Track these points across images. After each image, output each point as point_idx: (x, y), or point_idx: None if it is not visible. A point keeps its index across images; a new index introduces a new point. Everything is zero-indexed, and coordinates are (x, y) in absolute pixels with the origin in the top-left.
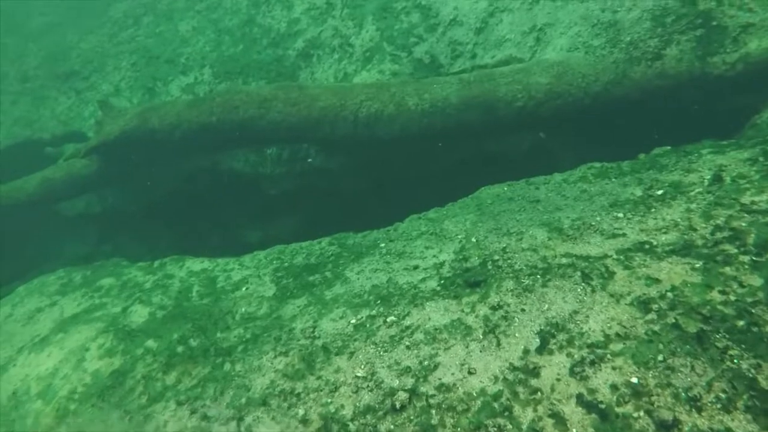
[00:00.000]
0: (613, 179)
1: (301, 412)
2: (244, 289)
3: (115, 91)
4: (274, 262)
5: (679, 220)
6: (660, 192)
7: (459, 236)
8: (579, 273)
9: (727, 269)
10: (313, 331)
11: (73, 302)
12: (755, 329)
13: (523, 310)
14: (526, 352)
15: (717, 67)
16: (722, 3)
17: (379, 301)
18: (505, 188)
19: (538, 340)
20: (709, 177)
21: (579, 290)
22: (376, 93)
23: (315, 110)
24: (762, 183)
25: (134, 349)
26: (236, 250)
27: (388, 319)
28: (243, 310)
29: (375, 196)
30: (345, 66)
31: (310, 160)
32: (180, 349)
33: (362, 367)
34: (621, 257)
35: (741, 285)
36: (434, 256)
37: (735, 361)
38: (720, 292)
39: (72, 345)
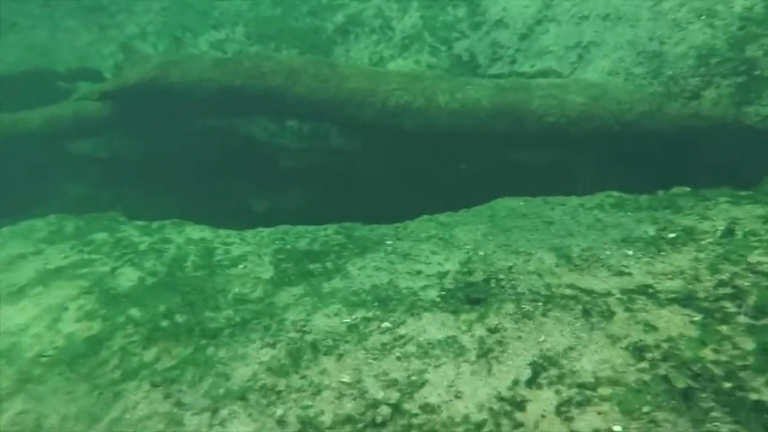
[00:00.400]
0: (629, 213)
1: (279, 412)
2: (241, 266)
3: (141, 34)
4: (277, 242)
5: (686, 268)
6: (672, 235)
7: (467, 246)
8: (580, 307)
9: (724, 328)
10: (304, 325)
11: (59, 254)
12: (740, 394)
13: (519, 337)
14: (515, 382)
15: (750, 118)
16: None
17: (376, 303)
18: (521, 203)
19: (529, 371)
20: (722, 228)
21: (578, 325)
22: (408, 83)
23: (344, 90)
24: None
25: (116, 316)
26: (240, 218)
27: (382, 325)
28: (237, 290)
29: (391, 188)
30: (382, 49)
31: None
32: (164, 323)
33: (349, 372)
34: (624, 297)
35: (734, 346)
36: (439, 263)
37: (716, 424)
38: (713, 350)
39: (50, 301)
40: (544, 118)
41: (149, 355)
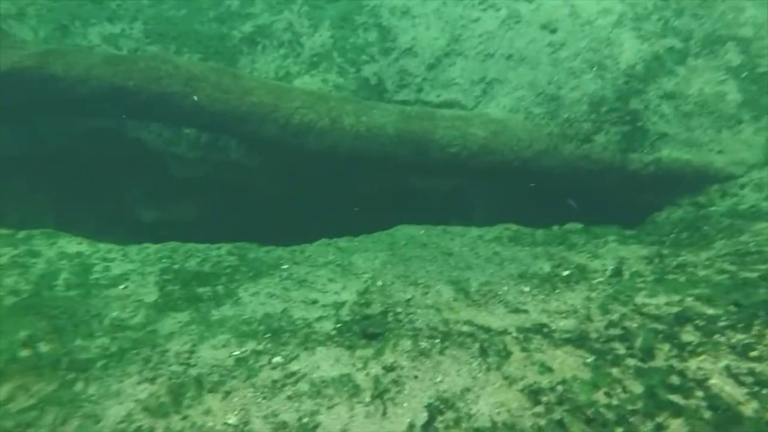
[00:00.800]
0: (526, 247)
1: None
2: (122, 287)
3: (18, 15)
4: (164, 260)
5: (579, 307)
6: (566, 273)
7: (366, 275)
8: (478, 345)
9: (614, 370)
10: (189, 357)
11: None
12: None
13: (416, 376)
14: (411, 427)
15: (634, 163)
16: (648, 108)
17: (268, 335)
18: (422, 231)
19: (425, 414)
20: (611, 268)
21: (474, 365)
22: (313, 102)
23: (245, 104)
24: (654, 287)
25: None
26: (124, 230)
27: (274, 359)
28: (115, 314)
29: (290, 206)
30: (289, 64)
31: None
32: (24, 353)
33: (236, 412)
34: (520, 336)
35: (624, 390)
36: (336, 292)
37: None
38: (605, 393)
39: None
40: (447, 148)
41: (1, 393)
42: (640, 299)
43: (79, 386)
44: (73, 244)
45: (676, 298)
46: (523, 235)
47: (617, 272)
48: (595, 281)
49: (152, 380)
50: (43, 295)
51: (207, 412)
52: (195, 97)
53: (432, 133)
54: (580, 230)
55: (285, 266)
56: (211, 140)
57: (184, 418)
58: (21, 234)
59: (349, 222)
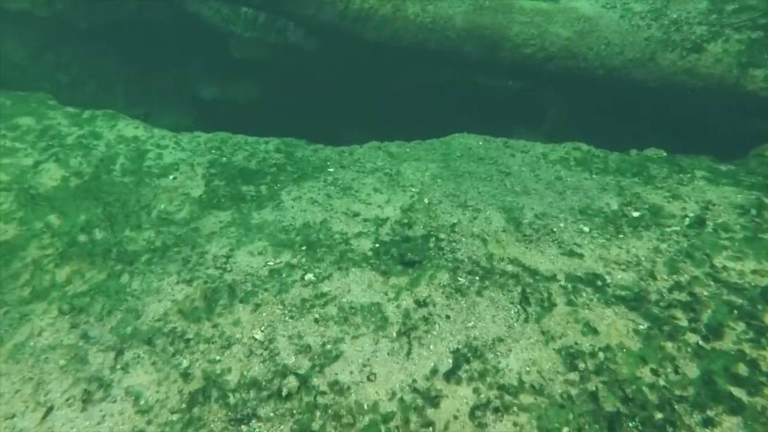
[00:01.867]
0: (594, 175)
1: (185, 363)
2: (171, 177)
3: None
4: (213, 151)
5: (643, 259)
6: (636, 214)
7: (413, 189)
8: (519, 290)
9: (669, 345)
10: (225, 262)
11: None
12: (670, 430)
13: (448, 316)
14: (434, 372)
15: (755, 82)
16: None
17: (304, 247)
18: (480, 142)
19: (450, 361)
20: (692, 215)
21: (512, 312)
22: None
23: None
24: (742, 247)
25: (34, 221)
26: (184, 102)
27: (306, 276)
28: (162, 206)
29: (344, 96)
30: None
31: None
32: (82, 238)
33: (263, 327)
34: (568, 286)
35: (676, 370)
36: (379, 205)
37: None
38: (652, 371)
39: None
40: (521, 48)
41: (62, 274)
42: (720, 260)
43: (125, 278)
44: (130, 128)
45: None
46: (594, 159)
47: (699, 221)
48: (669, 229)
49: (189, 282)
50: (101, 179)
51: (236, 322)
52: None
53: (506, 29)
54: (662, 159)
55: (331, 169)
56: (269, 20)
57: (215, 326)
58: (86, 114)
59: (404, 118)
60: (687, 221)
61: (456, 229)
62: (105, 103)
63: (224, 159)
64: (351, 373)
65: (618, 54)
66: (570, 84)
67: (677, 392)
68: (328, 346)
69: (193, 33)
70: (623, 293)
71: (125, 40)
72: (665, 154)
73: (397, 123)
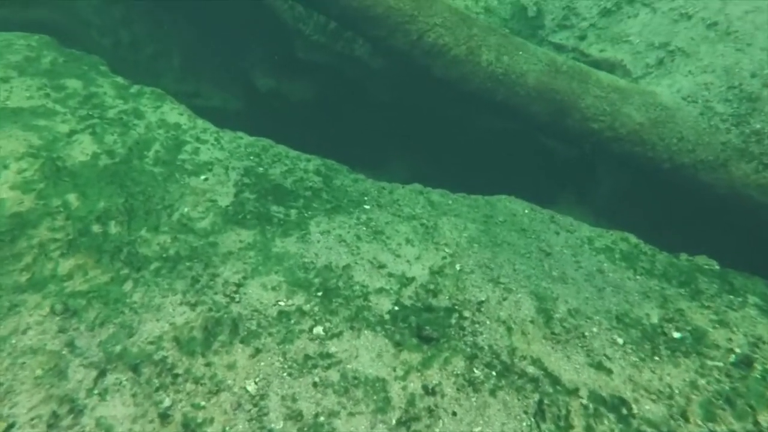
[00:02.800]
0: (638, 276)
1: (167, 402)
2: (203, 177)
3: None
4: (252, 158)
5: (677, 392)
6: (677, 335)
7: (447, 249)
8: (537, 398)
9: None
10: (236, 290)
11: (24, 90)
12: None
13: (455, 413)
14: None
15: None
16: None
17: (320, 293)
18: (526, 210)
19: None
20: (738, 351)
21: (524, 425)
22: (455, 24)
23: (381, 5)
24: None
25: (52, 197)
26: (235, 86)
27: (315, 329)
28: (186, 210)
29: (396, 122)
30: None
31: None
32: (95, 228)
33: (258, 379)
34: (591, 406)
35: None
36: (408, 261)
37: None
38: None
39: None
40: (590, 122)
41: (65, 266)
42: (765, 418)
43: (127, 286)
44: (174, 113)
45: None
46: (641, 256)
47: (746, 361)
48: (711, 362)
49: (193, 306)
50: (131, 164)
51: (231, 366)
52: None
53: (578, 99)
54: (713, 273)
55: (367, 206)
56: (339, 29)
57: (208, 364)
58: (134, 88)
59: (453, 157)
60: (732, 357)
61: (482, 309)
62: (159, 69)
63: (261, 169)
64: None
65: (689, 152)
66: (631, 168)
67: None
68: (321, 419)
69: (261, 21)
70: (649, 430)
71: (193, 12)
72: (717, 266)
73: (444, 161)
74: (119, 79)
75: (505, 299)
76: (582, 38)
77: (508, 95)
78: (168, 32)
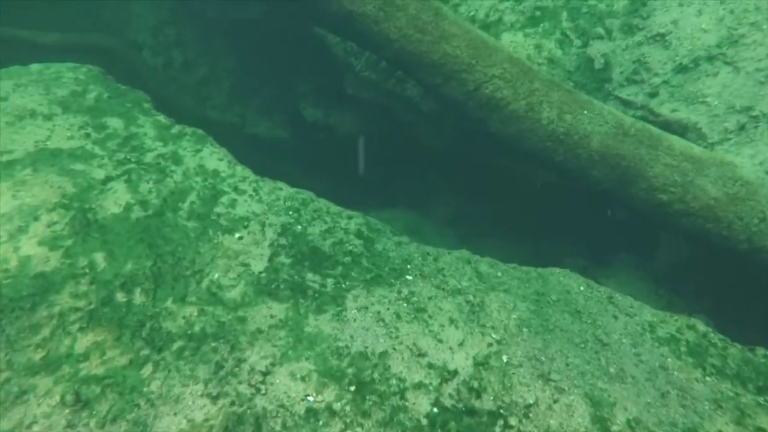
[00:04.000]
0: (707, 377)
1: None
2: (237, 236)
3: None
4: (291, 213)
5: None
6: None
7: (494, 335)
8: None
9: None
10: (262, 380)
11: (66, 130)
12: None
13: None
14: None
15: None
16: None
17: (353, 387)
18: (581, 288)
19: None
20: None
21: None
22: (515, 76)
23: (438, 52)
24: None
25: (78, 256)
26: (281, 114)
27: None
28: (216, 276)
29: (443, 168)
30: (505, 10)
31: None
32: (119, 296)
33: None
34: None
35: None
36: (451, 347)
37: None
38: None
39: (27, 199)
40: (657, 193)
41: (83, 343)
42: None
43: (146, 371)
44: (214, 159)
45: None
46: (710, 348)
47: None
48: None
49: (215, 399)
50: (164, 218)
51: None
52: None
53: (645, 166)
54: None
55: (409, 277)
56: (389, 69)
57: None
58: (175, 129)
59: (502, 213)
60: None
61: (530, 414)
62: (208, 92)
63: (299, 227)
64: None
65: None
66: (701, 244)
67: None
68: None
69: (312, 52)
70: None
71: (245, 39)
72: None
73: (493, 216)
74: (161, 118)
75: (555, 401)
76: (653, 95)
77: (569, 157)
78: (219, 56)
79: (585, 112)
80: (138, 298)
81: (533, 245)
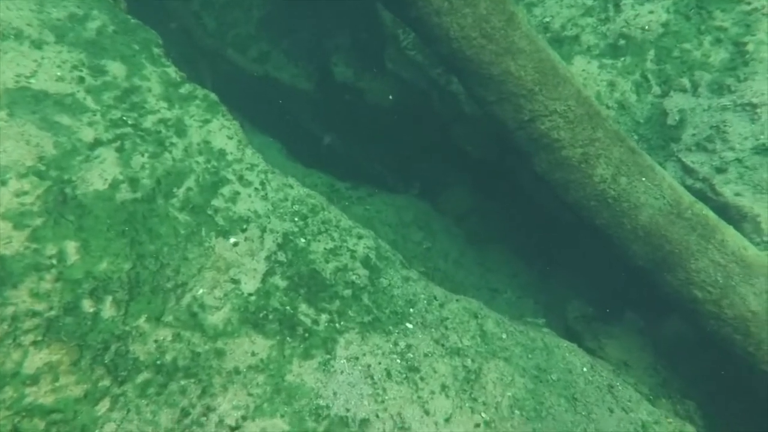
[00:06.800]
0: None
1: None
2: (232, 240)
3: None
4: (296, 220)
5: None
6: None
7: (483, 414)
8: None
9: None
10: (234, 431)
11: (56, 66)
12: None
13: None
14: None
15: None
16: None
17: None
18: (585, 369)
19: None
20: None
21: None
22: (578, 118)
23: (498, 65)
24: None
25: (47, 241)
26: (313, 67)
27: None
28: (200, 292)
29: (470, 173)
30: (586, 27)
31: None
32: (86, 305)
33: None
34: None
35: None
36: (437, 423)
37: None
38: None
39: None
40: (692, 288)
41: (34, 361)
42: None
43: (102, 407)
44: (222, 135)
45: None
46: None
47: None
48: None
49: None
50: (154, 206)
51: None
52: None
53: (689, 257)
54: None
55: (410, 326)
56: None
57: None
58: (184, 88)
59: (516, 226)
60: None
61: None
62: (235, 18)
63: (302, 241)
64: None
65: None
66: (719, 349)
67: None
68: None
69: (357, 5)
70: None
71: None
72: None
73: (507, 223)
74: (171, 71)
75: None
76: (720, 171)
77: (611, 224)
78: (248, 12)
79: (643, 179)
80: (107, 310)
81: (542, 266)
